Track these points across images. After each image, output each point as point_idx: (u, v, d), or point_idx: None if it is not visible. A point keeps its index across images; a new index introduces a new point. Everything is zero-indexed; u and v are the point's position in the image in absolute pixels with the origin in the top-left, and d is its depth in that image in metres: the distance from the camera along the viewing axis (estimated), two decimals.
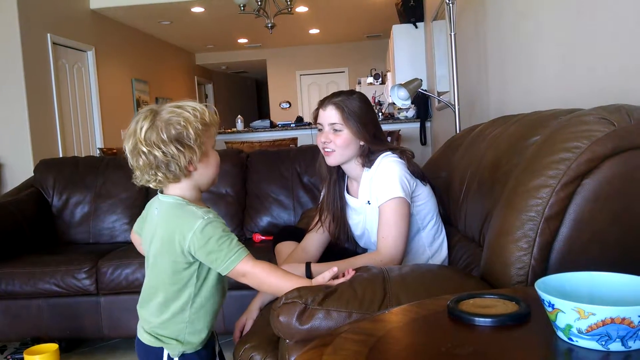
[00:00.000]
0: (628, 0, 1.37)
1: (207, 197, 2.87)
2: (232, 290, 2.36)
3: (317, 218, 1.85)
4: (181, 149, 1.19)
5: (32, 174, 3.11)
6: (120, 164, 3.06)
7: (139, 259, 2.43)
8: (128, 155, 1.23)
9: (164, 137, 1.18)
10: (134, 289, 2.41)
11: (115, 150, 4.42)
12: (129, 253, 2.52)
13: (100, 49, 6.57)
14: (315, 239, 1.85)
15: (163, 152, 1.18)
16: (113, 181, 2.95)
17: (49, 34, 5.44)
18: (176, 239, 1.20)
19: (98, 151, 5.73)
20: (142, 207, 2.88)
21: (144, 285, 1.34)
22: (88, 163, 3.10)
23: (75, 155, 5.63)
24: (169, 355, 1.27)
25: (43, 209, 2.91)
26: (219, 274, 1.26)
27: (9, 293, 2.42)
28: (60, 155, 5.43)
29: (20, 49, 4.96)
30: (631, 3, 1.35)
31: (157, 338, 1.28)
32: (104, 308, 2.45)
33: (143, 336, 1.31)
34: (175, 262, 1.23)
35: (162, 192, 1.29)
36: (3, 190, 4.79)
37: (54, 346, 2.19)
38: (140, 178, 1.24)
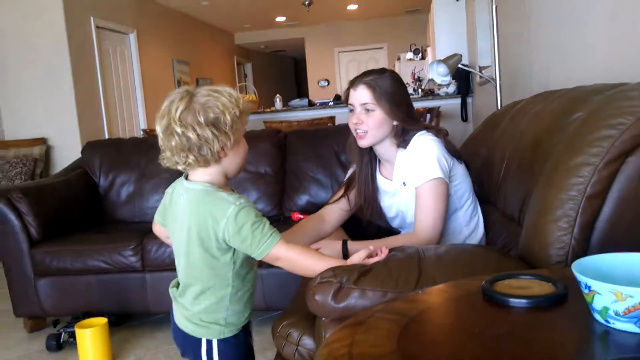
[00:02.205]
0: None
1: (246, 177, 2.91)
2: (271, 267, 2.43)
3: (340, 192, 1.83)
4: (216, 133, 1.17)
5: (80, 156, 3.23)
6: None
7: None
8: (160, 135, 1.22)
9: (201, 119, 1.16)
10: None
11: None
12: None
13: (141, 31, 6.69)
14: (335, 210, 1.82)
15: (197, 135, 1.16)
16: (156, 161, 3.02)
17: (92, 17, 5.57)
18: (210, 227, 1.19)
19: (142, 132, 5.87)
20: None
21: (179, 274, 1.32)
22: (132, 144, 3.19)
23: (120, 136, 5.79)
24: (208, 341, 1.27)
25: (91, 189, 3.03)
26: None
27: (60, 270, 2.54)
28: (106, 137, 5.61)
29: (65, 33, 5.10)
30: None
31: (198, 325, 1.27)
32: (149, 284, 2.54)
33: (182, 323, 1.30)
34: (210, 249, 1.22)
35: (187, 178, 1.27)
36: (53, 171, 4.99)
37: (103, 320, 2.30)
38: (169, 159, 1.22)
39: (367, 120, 1.63)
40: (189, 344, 1.30)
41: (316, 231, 1.80)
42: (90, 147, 3.19)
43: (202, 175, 1.24)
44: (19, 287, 2.59)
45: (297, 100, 6.57)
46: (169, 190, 1.36)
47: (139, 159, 3.05)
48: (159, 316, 2.72)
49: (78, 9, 5.33)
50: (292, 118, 5.83)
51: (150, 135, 4.33)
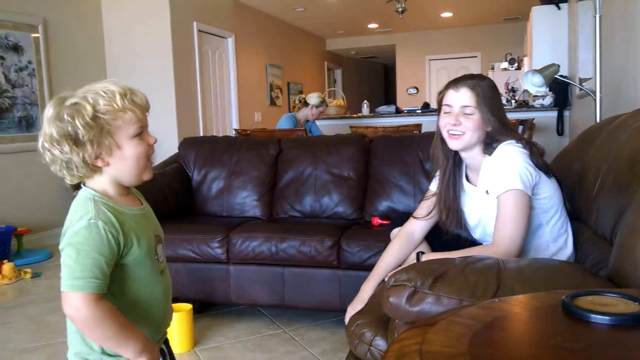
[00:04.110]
0: None
1: (329, 179, 2.97)
2: (349, 270, 2.47)
3: (428, 204, 1.84)
4: (73, 146, 1.02)
5: (177, 151, 3.44)
6: (253, 144, 3.28)
7: (265, 233, 2.61)
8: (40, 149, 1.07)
9: (56, 133, 1.03)
10: (260, 260, 2.58)
11: (249, 132, 4.71)
12: (257, 227, 2.71)
13: (239, 36, 7.00)
14: (423, 224, 1.86)
15: (60, 150, 1.03)
16: (246, 160, 3.17)
17: (195, 22, 5.90)
18: (63, 233, 1.06)
19: (234, 132, 6.13)
20: (272, 186, 3.11)
21: None
22: (225, 142, 3.36)
23: (214, 134, 6.09)
24: None
25: (185, 182, 3.22)
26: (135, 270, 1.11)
27: None
28: (201, 135, 5.92)
29: (170, 37, 5.45)
30: None
31: None
32: (232, 276, 2.66)
33: None
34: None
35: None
36: (153, 163, 5.33)
37: (188, 306, 2.44)
38: (55, 172, 1.09)
39: (465, 122, 1.63)
40: None
41: (406, 250, 1.85)
42: (186, 143, 3.40)
43: (92, 183, 1.10)
44: None
45: (385, 107, 6.56)
46: None
47: (230, 157, 3.21)
48: (240, 307, 2.84)
49: (183, 14, 5.68)
50: (378, 124, 5.84)
51: (242, 135, 4.53)
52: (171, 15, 5.46)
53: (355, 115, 6.61)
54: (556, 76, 2.93)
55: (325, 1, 7.56)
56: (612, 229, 1.44)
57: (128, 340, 1.05)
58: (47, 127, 1.04)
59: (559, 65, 2.94)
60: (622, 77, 2.87)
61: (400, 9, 6.11)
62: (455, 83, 1.68)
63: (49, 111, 1.05)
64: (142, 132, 1.10)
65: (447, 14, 8.90)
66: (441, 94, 1.71)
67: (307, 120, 4.95)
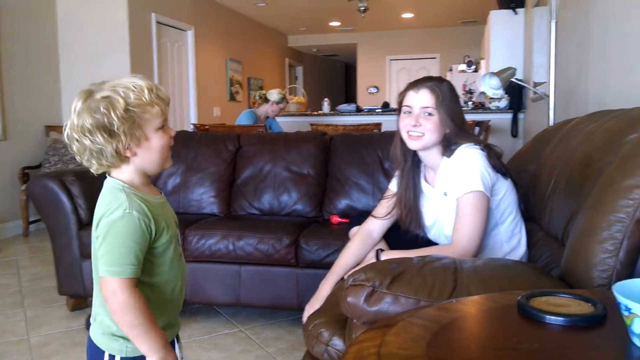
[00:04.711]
0: None
1: (288, 177, 2.95)
2: (307, 268, 2.45)
3: (387, 203, 1.85)
4: (106, 136, 1.09)
5: None
6: (211, 140, 3.22)
7: (222, 230, 2.56)
8: (65, 139, 1.14)
9: (89, 124, 1.09)
10: (217, 258, 2.54)
11: (207, 127, 4.63)
12: (214, 224, 2.66)
13: (199, 29, 6.87)
14: (382, 224, 1.87)
15: (91, 140, 1.09)
16: (204, 156, 3.11)
17: (153, 14, 5.76)
18: (97, 222, 1.13)
19: (191, 126, 6.02)
20: (230, 182, 3.05)
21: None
22: (182, 137, 3.27)
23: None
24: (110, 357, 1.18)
25: None
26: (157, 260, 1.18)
27: None
28: None
29: (127, 28, 5.30)
30: None
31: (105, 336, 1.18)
32: (188, 274, 2.58)
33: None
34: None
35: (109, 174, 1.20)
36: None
37: None
38: (81, 161, 1.15)
39: (425, 123, 1.65)
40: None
41: (365, 249, 1.86)
42: None
43: (119, 174, 1.17)
44: (66, 267, 2.70)
45: (345, 105, 6.58)
46: None
47: (187, 152, 3.14)
48: (195, 306, 2.79)
49: (141, 5, 5.53)
50: (338, 122, 5.84)
51: (200, 130, 4.44)
52: (128, 5, 5.30)
53: (315, 113, 6.60)
54: (512, 79, 3.00)
55: None
56: (564, 230, 1.47)
57: (151, 333, 1.11)
58: (77, 119, 1.10)
59: (515, 69, 3.00)
60: (575, 81, 2.96)
61: (362, 8, 6.14)
62: (415, 84, 1.69)
63: (77, 104, 1.11)
64: (164, 125, 1.18)
65: (408, 15, 9.01)
66: (401, 95, 1.72)
67: (267, 117, 4.91)
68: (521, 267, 1.27)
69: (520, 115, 5.62)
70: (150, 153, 1.16)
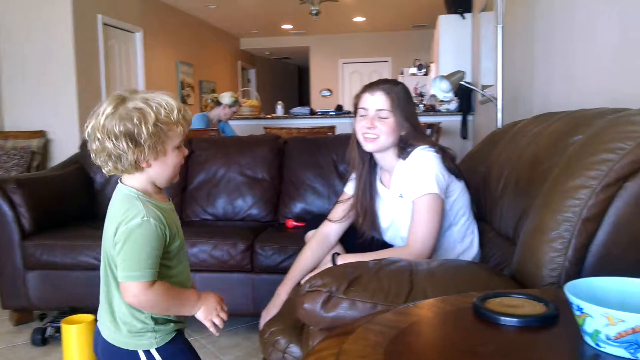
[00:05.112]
0: None
1: (243, 181, 2.91)
2: (263, 273, 2.42)
3: (343, 206, 1.84)
4: (131, 145, 1.14)
5: (78, 150, 3.21)
6: None
7: None
8: (85, 135, 1.19)
9: (117, 129, 1.13)
10: None
11: None
12: None
13: (148, 31, 6.70)
14: (338, 227, 1.86)
15: (114, 144, 1.14)
16: None
17: (99, 15, 5.58)
18: (114, 228, 1.17)
19: None
20: (182, 188, 2.98)
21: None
22: None
23: None
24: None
25: (87, 184, 3.01)
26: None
27: (51, 263, 2.52)
28: None
29: (71, 28, 5.11)
30: None
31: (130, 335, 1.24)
32: None
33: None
34: (111, 250, 1.19)
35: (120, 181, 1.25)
36: (50, 164, 4.98)
37: (90, 317, 2.27)
38: (94, 160, 1.20)
39: (380, 126, 1.65)
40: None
41: (321, 253, 1.84)
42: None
43: (131, 180, 1.22)
44: (8, 279, 2.56)
45: (299, 108, 6.57)
46: None
47: None
48: None
49: (86, 5, 5.35)
50: (292, 125, 5.83)
51: None
52: (73, 6, 5.11)
53: (269, 116, 6.56)
54: (461, 82, 3.07)
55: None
56: (515, 229, 1.51)
57: (183, 302, 1.23)
58: (105, 121, 1.14)
59: (464, 72, 3.07)
60: (521, 84, 3.05)
61: (314, 12, 6.15)
62: (370, 87, 1.70)
63: (107, 107, 1.15)
64: (181, 144, 1.24)
65: (359, 19, 9.09)
66: (357, 98, 1.73)
67: (220, 120, 4.83)
68: (475, 268, 1.28)
69: (470, 118, 5.77)
70: (164, 168, 1.22)
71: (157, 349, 1.22)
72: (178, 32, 7.84)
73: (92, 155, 1.19)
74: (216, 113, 4.77)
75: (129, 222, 1.15)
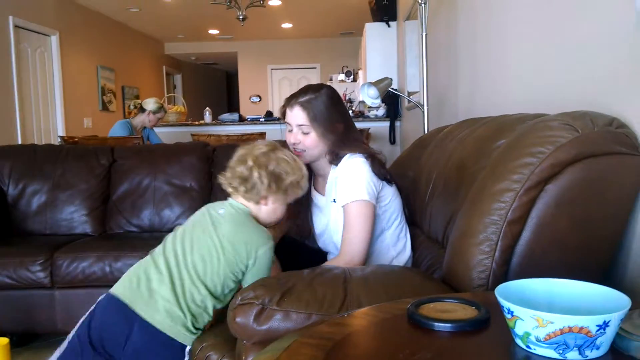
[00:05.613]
0: (599, 10, 1.38)
1: (170, 190, 2.81)
2: None
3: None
4: (271, 184, 1.41)
5: None
6: (81, 153, 2.97)
7: (97, 252, 2.37)
8: (234, 159, 1.48)
9: (270, 168, 1.42)
10: (91, 282, 2.33)
11: (77, 139, 4.27)
12: (87, 245, 2.45)
13: (65, 34, 6.37)
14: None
15: (259, 175, 1.41)
16: (73, 171, 2.86)
17: (10, 16, 5.24)
18: (245, 249, 1.37)
19: (59, 139, 5.55)
20: (104, 199, 2.83)
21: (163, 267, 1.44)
22: (47, 151, 2.99)
23: (35, 142, 5.45)
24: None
25: None
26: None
27: None
28: (19, 142, 5.25)
29: None
30: (601, 13, 1.36)
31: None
32: (58, 302, 2.36)
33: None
34: (231, 266, 1.37)
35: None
36: None
37: (4, 340, 2.10)
38: (227, 178, 1.46)
39: (304, 140, 1.64)
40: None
41: None
42: (0, 153, 2.96)
43: (246, 202, 1.47)
44: None
45: (228, 114, 6.47)
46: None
47: (54, 168, 2.87)
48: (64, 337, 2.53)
49: None
50: (221, 132, 5.72)
51: (68, 143, 4.09)
52: None
53: (196, 123, 6.41)
54: (389, 89, 3.12)
55: (162, 3, 7.23)
56: (444, 233, 1.54)
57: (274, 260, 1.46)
58: (264, 159, 1.44)
59: (391, 79, 3.13)
60: (446, 90, 3.15)
61: (241, 17, 6.08)
62: (289, 101, 1.67)
63: (263, 146, 1.48)
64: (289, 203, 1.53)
65: (287, 25, 9.10)
66: (282, 111, 1.70)
67: (145, 127, 4.65)
68: (407, 273, 1.29)
69: (397, 123, 5.90)
70: (272, 213, 1.49)
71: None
72: (98, 35, 7.51)
73: (228, 174, 1.46)
74: (140, 120, 4.59)
75: (264, 245, 1.40)
